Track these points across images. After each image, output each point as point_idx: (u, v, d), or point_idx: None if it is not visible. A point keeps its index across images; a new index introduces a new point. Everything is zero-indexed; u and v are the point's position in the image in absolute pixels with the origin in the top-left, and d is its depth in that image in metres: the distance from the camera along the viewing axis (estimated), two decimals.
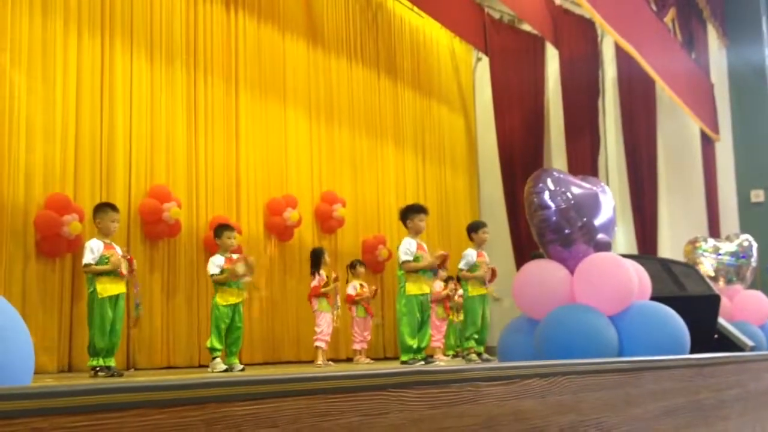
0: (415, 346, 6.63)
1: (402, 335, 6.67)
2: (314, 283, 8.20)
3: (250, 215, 9.09)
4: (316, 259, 8.33)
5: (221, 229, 7.04)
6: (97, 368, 5.87)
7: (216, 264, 6.79)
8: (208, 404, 1.29)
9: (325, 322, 8.09)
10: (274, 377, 1.41)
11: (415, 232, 6.81)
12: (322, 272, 8.22)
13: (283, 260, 9.51)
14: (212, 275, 6.78)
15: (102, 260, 5.97)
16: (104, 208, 6.28)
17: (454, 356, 9.69)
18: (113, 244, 6.19)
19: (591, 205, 4.02)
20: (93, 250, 5.99)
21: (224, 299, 6.68)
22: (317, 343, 8.06)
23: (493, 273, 7.70)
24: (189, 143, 8.47)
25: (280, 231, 9.26)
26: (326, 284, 8.17)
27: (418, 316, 6.63)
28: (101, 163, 7.56)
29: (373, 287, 9.22)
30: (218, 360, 6.66)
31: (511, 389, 1.94)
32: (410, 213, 6.89)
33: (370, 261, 10.34)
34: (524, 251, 11.57)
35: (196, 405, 1.28)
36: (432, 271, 6.84)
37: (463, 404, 1.80)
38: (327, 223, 10.08)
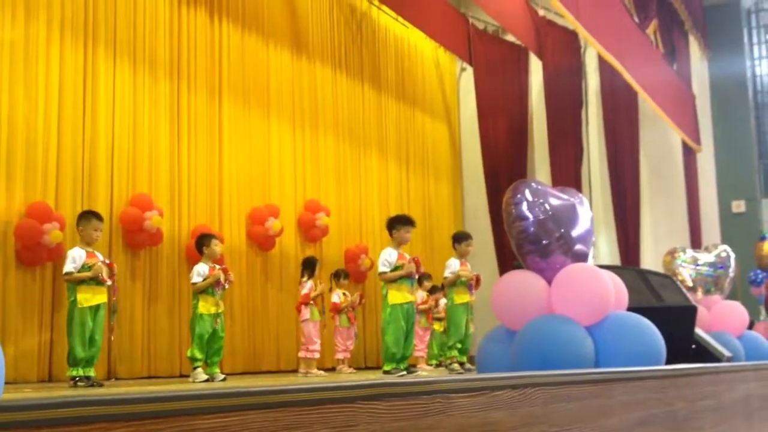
0: (399, 355, 6.61)
1: (386, 344, 6.63)
2: (304, 291, 8.20)
3: (232, 224, 9.07)
4: (311, 267, 8.30)
5: (208, 237, 7.03)
6: (77, 378, 5.83)
7: (199, 273, 6.77)
8: (174, 417, 1.30)
9: (314, 332, 8.13)
10: (240, 390, 1.42)
11: (398, 243, 6.78)
12: (311, 281, 8.24)
13: (265, 270, 9.49)
14: (194, 283, 6.77)
15: (84, 269, 5.94)
16: (88, 216, 6.25)
17: (437, 366, 9.69)
18: (96, 252, 6.17)
19: (569, 216, 4.05)
20: (75, 259, 5.96)
21: (207, 309, 6.67)
22: (315, 354, 8.11)
23: (478, 280, 7.69)
24: (172, 152, 8.44)
25: (262, 240, 9.25)
26: (313, 291, 8.21)
27: (403, 325, 6.60)
28: (83, 171, 7.53)
29: (359, 293, 9.23)
30: (199, 370, 6.63)
31: (481, 401, 1.96)
32: (398, 224, 6.85)
33: (353, 270, 10.34)
34: (508, 262, 11.59)
35: (161, 418, 1.28)
36: (411, 280, 6.82)
37: (433, 416, 1.81)
38: (310, 232, 10.08)
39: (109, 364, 7.46)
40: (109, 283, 6.01)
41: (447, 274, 7.68)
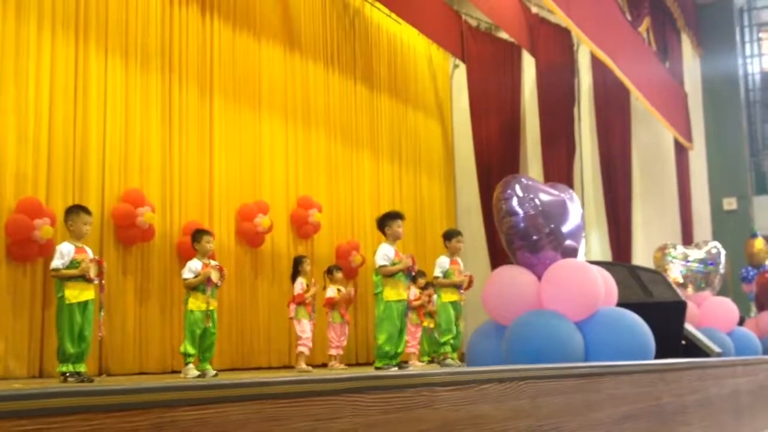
0: (392, 352, 6.57)
1: (379, 342, 6.56)
2: (297, 291, 8.19)
3: (222, 221, 9.05)
4: (295, 267, 8.36)
5: (200, 233, 6.98)
6: (67, 374, 5.81)
7: (191, 269, 6.72)
8: (155, 409, 1.30)
9: (299, 329, 8.15)
10: (222, 382, 1.42)
11: (394, 239, 6.67)
12: (302, 280, 8.23)
13: (255, 266, 9.47)
14: (185, 279, 6.74)
15: (72, 264, 5.89)
16: (76, 210, 6.17)
17: (429, 362, 9.69)
18: (85, 247, 6.13)
19: (559, 211, 4.06)
20: (63, 254, 5.91)
21: (197, 305, 6.65)
22: (299, 348, 8.12)
23: (470, 281, 7.64)
24: (163, 148, 8.42)
25: (250, 237, 9.23)
26: (306, 291, 8.20)
27: (397, 323, 6.54)
28: (74, 166, 7.50)
29: (352, 287, 9.21)
30: (191, 366, 6.61)
31: (467, 394, 1.96)
32: (387, 219, 6.75)
33: (344, 267, 10.31)
34: (500, 258, 11.60)
35: (143, 409, 1.28)
36: (408, 276, 6.78)
37: (418, 409, 1.81)
38: (303, 228, 10.07)
39: (101, 360, 7.45)
40: (96, 281, 5.97)
41: (437, 272, 7.60)
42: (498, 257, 12.12)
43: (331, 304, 8.78)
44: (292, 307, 8.18)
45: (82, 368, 5.90)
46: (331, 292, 8.84)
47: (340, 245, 10.76)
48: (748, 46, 13.67)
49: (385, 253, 6.56)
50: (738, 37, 13.39)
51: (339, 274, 9.13)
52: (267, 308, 9.42)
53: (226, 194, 9.13)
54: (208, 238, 6.95)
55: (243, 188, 9.36)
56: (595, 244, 12.65)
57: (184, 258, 8.35)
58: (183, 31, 8.89)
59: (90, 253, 6.09)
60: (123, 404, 1.25)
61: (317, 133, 10.75)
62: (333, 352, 8.84)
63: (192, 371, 6.57)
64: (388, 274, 6.53)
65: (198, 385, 1.39)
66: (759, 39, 13.80)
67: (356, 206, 11.37)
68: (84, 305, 5.90)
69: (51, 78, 7.39)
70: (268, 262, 9.60)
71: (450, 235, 7.83)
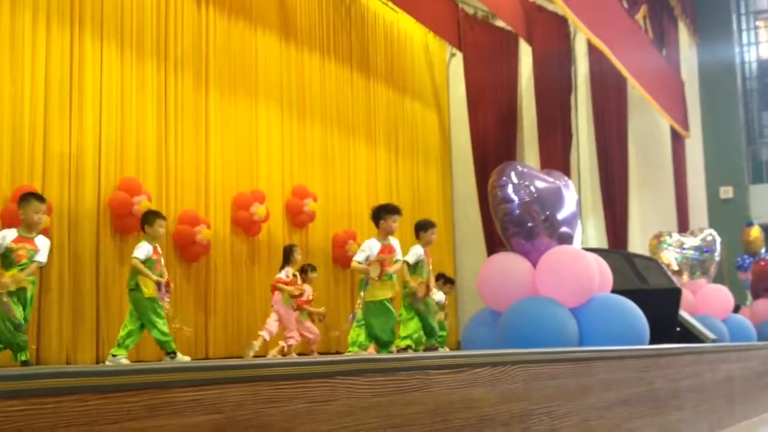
0: (390, 339, 6.45)
1: (376, 336, 6.35)
2: (280, 275, 8.08)
3: (217, 210, 9.04)
4: (285, 255, 8.27)
5: (153, 216, 6.55)
6: None
7: (144, 252, 6.30)
8: (149, 390, 1.30)
9: (291, 319, 8.03)
10: (217, 364, 1.43)
11: (385, 234, 6.39)
12: (289, 269, 8.16)
13: (251, 255, 9.47)
14: (135, 257, 6.29)
15: (8, 251, 5.32)
16: (27, 198, 5.52)
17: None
18: (40, 238, 5.55)
19: (554, 198, 4.07)
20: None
21: (147, 287, 6.30)
22: (290, 341, 8.04)
23: (427, 289, 6.57)
24: (159, 137, 8.41)
25: (246, 226, 9.23)
26: (299, 291, 8.10)
27: (394, 315, 6.39)
28: (70, 156, 7.49)
29: (323, 310, 8.77)
30: (180, 355, 6.50)
31: (461, 377, 1.97)
32: (384, 213, 6.44)
33: (340, 256, 10.33)
34: (496, 246, 11.62)
35: (137, 390, 1.29)
36: (393, 275, 6.49)
37: (411, 392, 1.82)
38: (298, 217, 10.07)
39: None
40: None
41: (411, 259, 7.11)
42: (494, 245, 12.12)
43: (300, 307, 8.49)
44: (276, 295, 8.03)
45: (25, 357, 5.42)
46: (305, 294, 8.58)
47: (337, 234, 10.76)
48: (744, 34, 13.65)
49: (366, 252, 6.26)
50: (735, 25, 13.38)
51: (314, 275, 8.79)
52: (263, 297, 9.41)
53: (221, 183, 9.12)
54: (161, 222, 6.55)
55: (239, 177, 9.36)
56: (591, 232, 12.67)
57: (179, 246, 8.37)
58: (178, 21, 8.86)
59: (38, 244, 5.52)
60: (116, 385, 1.25)
61: (313, 122, 10.73)
62: (290, 342, 8.20)
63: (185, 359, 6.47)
64: (356, 270, 6.29)
65: (192, 366, 1.39)
66: (756, 27, 13.78)
67: (352, 195, 11.37)
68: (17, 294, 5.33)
69: (46, 68, 7.38)
70: (264, 250, 9.60)
71: (425, 226, 7.18)
